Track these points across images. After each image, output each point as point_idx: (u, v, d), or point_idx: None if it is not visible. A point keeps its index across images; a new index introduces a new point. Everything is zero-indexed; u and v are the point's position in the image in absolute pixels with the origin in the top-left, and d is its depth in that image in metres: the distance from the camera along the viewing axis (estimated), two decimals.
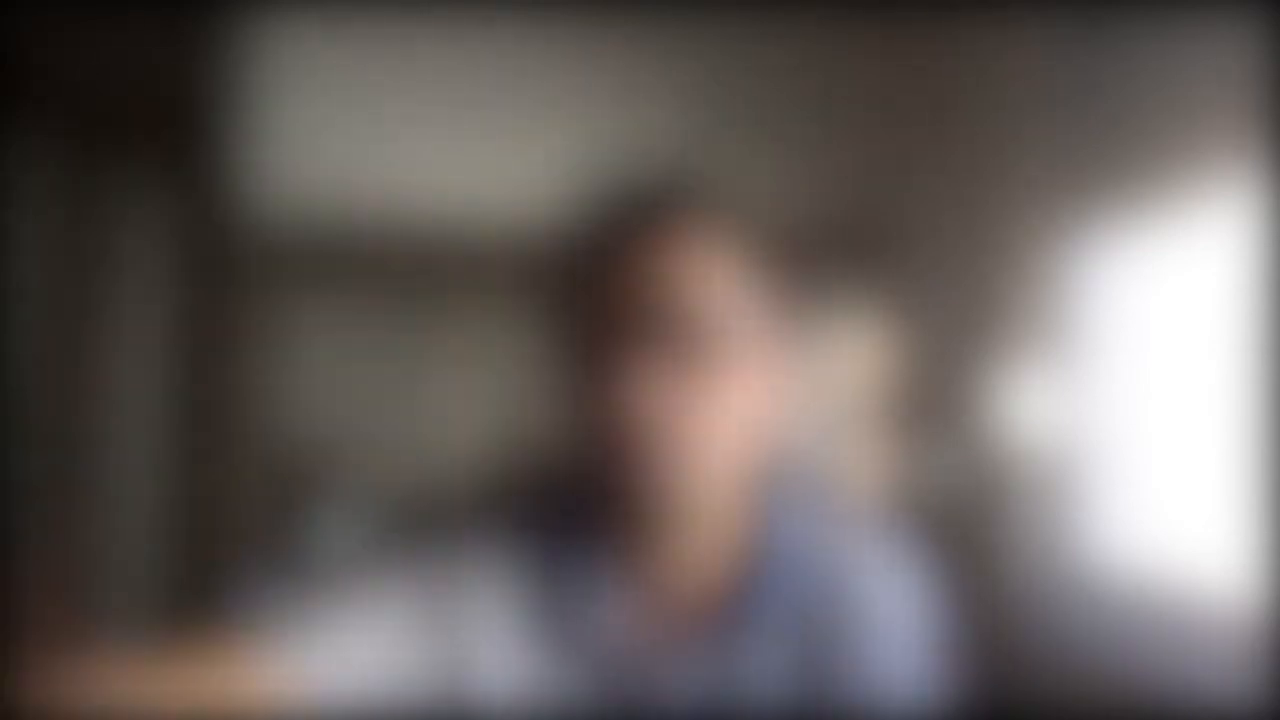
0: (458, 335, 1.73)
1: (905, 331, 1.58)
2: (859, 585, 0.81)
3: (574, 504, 0.78)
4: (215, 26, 1.41)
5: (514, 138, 1.53)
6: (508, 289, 1.26)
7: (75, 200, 1.27)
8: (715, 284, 0.76)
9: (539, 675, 0.78)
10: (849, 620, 0.80)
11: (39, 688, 0.69)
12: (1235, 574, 1.30)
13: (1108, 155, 1.51)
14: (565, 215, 0.78)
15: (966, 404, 1.58)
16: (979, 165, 1.57)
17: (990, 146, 1.57)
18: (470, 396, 1.65)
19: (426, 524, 0.82)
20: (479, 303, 1.72)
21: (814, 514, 0.83)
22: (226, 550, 1.39)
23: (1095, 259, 1.55)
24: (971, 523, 1.54)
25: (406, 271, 1.65)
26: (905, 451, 1.52)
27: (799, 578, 0.80)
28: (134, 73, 1.30)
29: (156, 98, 1.35)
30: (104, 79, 1.27)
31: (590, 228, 0.78)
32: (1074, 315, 1.56)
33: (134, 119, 1.33)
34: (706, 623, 0.78)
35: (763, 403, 0.78)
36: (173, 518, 1.38)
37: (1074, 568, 1.52)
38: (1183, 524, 1.43)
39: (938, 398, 1.58)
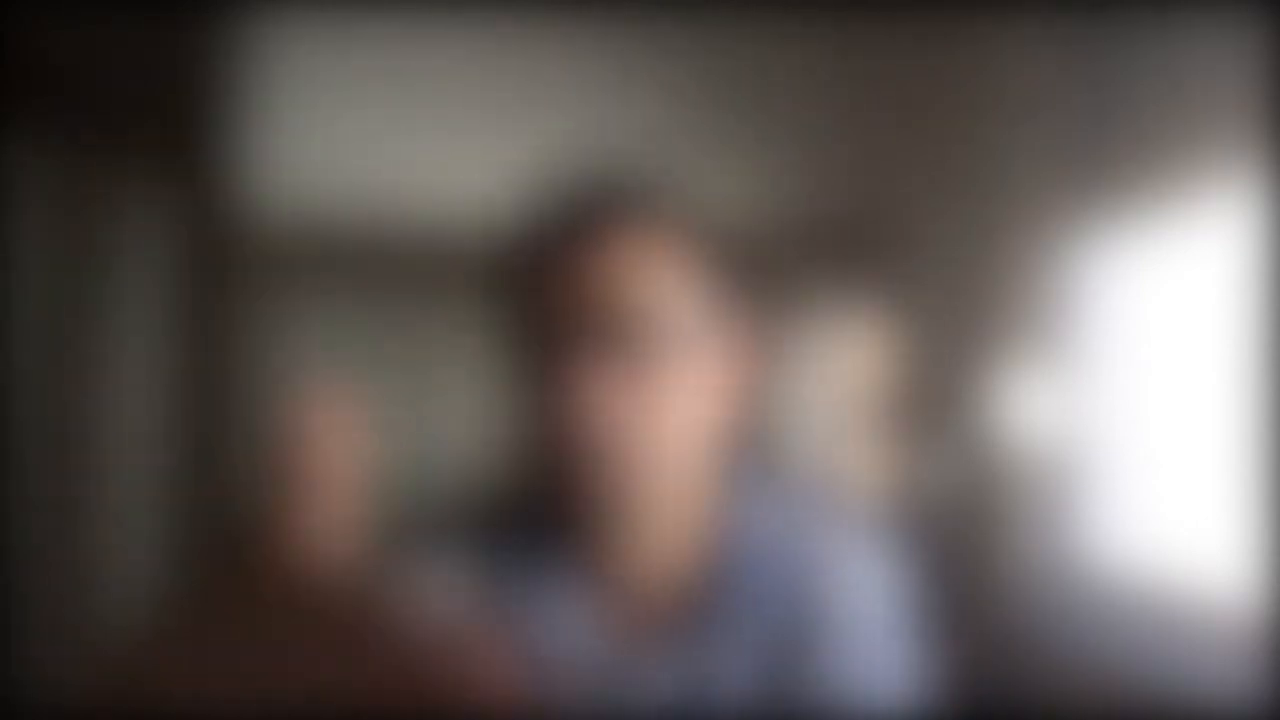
0: (464, 337, 1.72)
1: (903, 331, 1.58)
2: (830, 582, 0.81)
3: (531, 509, 0.78)
4: (215, 26, 1.41)
5: (519, 137, 1.53)
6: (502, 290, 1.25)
7: (75, 200, 1.27)
8: (665, 282, 0.76)
9: None
10: (819, 617, 0.80)
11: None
12: (1235, 574, 1.30)
13: (1107, 155, 1.50)
14: (517, 215, 0.78)
15: (965, 404, 1.58)
16: (978, 163, 1.57)
17: (989, 145, 1.57)
18: (476, 400, 1.65)
19: (395, 533, 0.82)
20: (483, 304, 1.71)
21: (785, 511, 0.83)
22: (225, 551, 1.39)
23: (1096, 259, 1.55)
24: (971, 523, 1.53)
25: (411, 273, 1.65)
26: (903, 452, 1.52)
27: (767, 575, 0.80)
28: (134, 72, 1.30)
29: (157, 97, 1.35)
30: (104, 78, 1.27)
31: (539, 226, 0.78)
32: (1074, 315, 1.56)
33: (135, 119, 1.33)
34: (673, 623, 0.78)
35: (719, 402, 0.78)
36: (171, 519, 1.38)
37: (1074, 568, 1.52)
38: (1183, 524, 1.43)
39: (936, 398, 1.57)
